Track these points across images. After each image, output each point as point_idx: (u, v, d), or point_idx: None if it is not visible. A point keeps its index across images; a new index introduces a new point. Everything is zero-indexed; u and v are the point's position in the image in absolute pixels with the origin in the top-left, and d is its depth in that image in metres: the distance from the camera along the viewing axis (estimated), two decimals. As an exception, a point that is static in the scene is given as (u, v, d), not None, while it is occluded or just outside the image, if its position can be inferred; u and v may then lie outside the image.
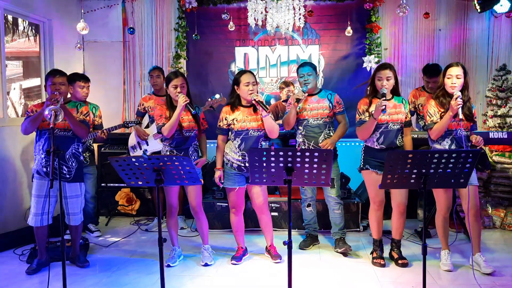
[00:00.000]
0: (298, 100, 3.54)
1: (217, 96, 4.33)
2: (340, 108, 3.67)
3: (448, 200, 3.27)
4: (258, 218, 3.57)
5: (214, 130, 3.51)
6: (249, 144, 3.36)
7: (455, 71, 3.14)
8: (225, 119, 3.42)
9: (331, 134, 3.63)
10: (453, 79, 3.13)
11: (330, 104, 3.63)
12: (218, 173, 3.46)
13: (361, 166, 3.45)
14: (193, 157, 3.42)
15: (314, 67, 3.66)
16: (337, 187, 3.65)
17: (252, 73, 3.41)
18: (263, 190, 3.48)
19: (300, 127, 3.67)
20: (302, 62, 3.74)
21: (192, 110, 3.28)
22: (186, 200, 3.64)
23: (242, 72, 3.42)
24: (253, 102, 3.30)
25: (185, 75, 3.44)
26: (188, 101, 3.24)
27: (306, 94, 3.59)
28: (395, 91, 3.41)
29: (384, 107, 3.14)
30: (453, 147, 3.19)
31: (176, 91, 3.30)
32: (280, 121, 4.51)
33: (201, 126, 3.45)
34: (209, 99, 4.27)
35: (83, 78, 4.19)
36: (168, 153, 3.41)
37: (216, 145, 3.50)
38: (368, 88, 3.46)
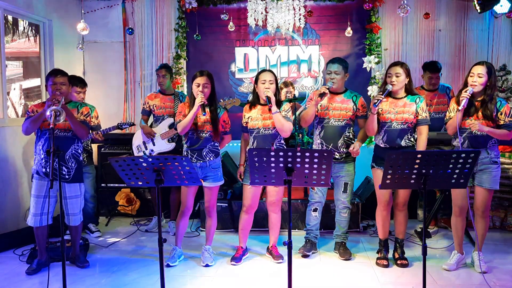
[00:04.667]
0: (321, 95, 3.30)
1: (231, 97, 4.35)
2: (363, 112, 3.50)
3: (461, 201, 3.24)
4: (268, 215, 3.59)
5: (239, 131, 3.61)
6: (261, 143, 3.38)
7: (478, 69, 3.14)
8: (244, 117, 3.49)
9: (351, 137, 3.51)
10: (475, 77, 3.13)
11: (354, 106, 3.47)
12: (239, 169, 3.54)
13: (371, 164, 3.46)
14: (207, 158, 3.41)
15: (345, 66, 3.45)
16: (349, 192, 3.56)
17: (272, 72, 3.42)
18: (279, 189, 3.48)
19: (318, 127, 3.52)
20: (334, 58, 3.52)
21: (203, 112, 3.28)
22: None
23: (261, 70, 3.47)
24: (264, 97, 3.31)
25: (211, 75, 3.43)
26: (203, 102, 3.25)
27: (328, 91, 3.34)
28: (409, 91, 3.36)
29: (376, 100, 3.16)
30: (465, 145, 3.18)
31: (197, 90, 3.32)
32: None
33: (220, 128, 3.43)
34: (221, 100, 4.28)
35: (81, 82, 4.20)
36: (185, 153, 3.47)
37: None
38: (381, 87, 3.43)
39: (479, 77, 3.12)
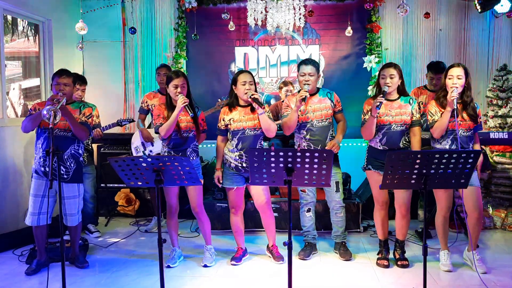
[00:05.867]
0: (304, 99, 3.28)
1: (228, 97, 4.33)
2: (339, 107, 3.55)
3: (448, 200, 3.27)
4: (261, 217, 3.57)
5: (214, 131, 3.50)
6: (246, 144, 3.35)
7: (456, 71, 3.15)
8: (223, 120, 3.42)
9: (334, 135, 3.53)
10: (454, 80, 3.14)
11: (332, 103, 3.52)
12: (217, 174, 3.47)
13: (364, 165, 3.45)
14: (191, 158, 3.39)
15: (317, 66, 3.46)
16: (341, 191, 3.57)
17: (250, 73, 3.40)
18: (265, 189, 3.46)
19: (302, 131, 3.49)
20: (305, 59, 3.51)
21: (190, 112, 3.24)
22: (185, 201, 3.63)
23: (239, 72, 3.42)
24: (249, 99, 3.28)
25: (186, 75, 3.39)
26: (187, 103, 3.21)
27: (308, 94, 3.34)
28: (402, 92, 3.37)
29: (378, 103, 3.14)
30: (453, 147, 3.18)
31: (176, 91, 3.28)
32: (281, 121, 4.49)
33: (199, 127, 3.43)
34: (219, 100, 4.26)
35: (80, 80, 4.19)
36: (166, 153, 3.40)
37: (216, 145, 3.50)
38: (374, 89, 3.45)
39: (459, 78, 3.14)
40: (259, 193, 3.45)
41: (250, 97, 3.26)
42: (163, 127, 3.27)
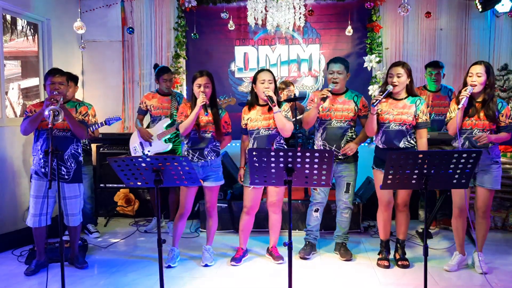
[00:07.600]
0: (324, 99, 3.26)
1: (226, 96, 4.34)
2: (365, 112, 3.47)
3: (459, 199, 3.22)
4: (268, 216, 3.57)
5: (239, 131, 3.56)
6: (261, 144, 3.35)
7: (476, 69, 3.12)
8: (243, 119, 3.45)
9: (354, 137, 3.49)
10: (474, 77, 3.11)
11: (356, 107, 3.45)
12: (240, 172, 3.50)
13: (372, 165, 3.44)
14: (209, 158, 3.39)
15: (346, 65, 3.42)
16: (351, 192, 3.53)
17: (270, 72, 3.39)
18: (280, 190, 3.46)
19: (320, 129, 3.49)
20: (334, 58, 3.50)
21: (205, 112, 3.25)
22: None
23: (260, 70, 3.44)
24: (265, 98, 3.28)
25: (211, 75, 3.41)
26: (205, 102, 3.23)
27: (330, 94, 3.30)
28: (410, 92, 3.33)
29: (375, 101, 3.14)
30: (466, 146, 3.16)
31: (199, 90, 3.30)
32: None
33: (222, 129, 3.41)
34: (218, 99, 4.26)
35: (72, 79, 4.15)
36: (185, 153, 3.43)
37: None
38: (380, 88, 3.43)
39: (478, 76, 3.10)
40: (273, 192, 3.46)
41: (266, 94, 3.25)
42: (182, 124, 3.33)
